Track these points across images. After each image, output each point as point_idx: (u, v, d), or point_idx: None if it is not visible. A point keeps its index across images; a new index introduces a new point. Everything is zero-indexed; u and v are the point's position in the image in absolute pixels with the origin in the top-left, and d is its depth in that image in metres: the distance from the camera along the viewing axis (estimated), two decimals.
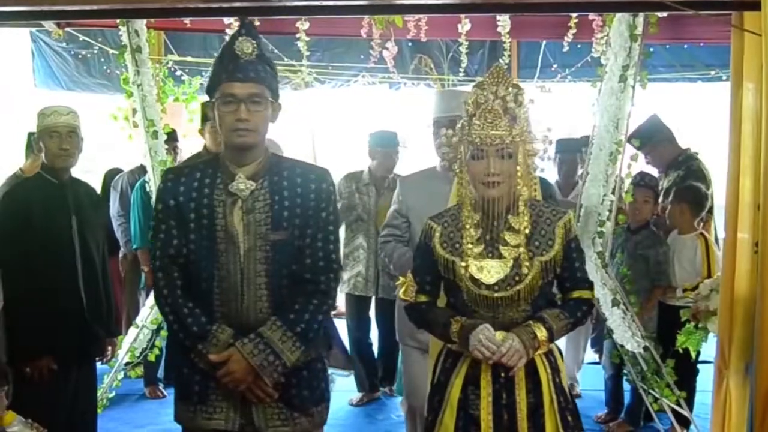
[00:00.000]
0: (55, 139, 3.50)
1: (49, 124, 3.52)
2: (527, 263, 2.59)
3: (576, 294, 2.69)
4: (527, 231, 2.61)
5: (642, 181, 4.85)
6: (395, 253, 3.68)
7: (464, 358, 2.66)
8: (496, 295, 2.59)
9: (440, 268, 2.69)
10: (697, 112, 9.56)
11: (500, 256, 2.61)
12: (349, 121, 10.28)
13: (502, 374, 2.59)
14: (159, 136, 5.05)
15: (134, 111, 5.02)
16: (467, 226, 2.64)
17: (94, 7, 3.14)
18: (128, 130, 5.10)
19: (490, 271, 2.60)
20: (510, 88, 2.60)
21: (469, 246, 2.63)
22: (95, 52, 6.95)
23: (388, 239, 3.73)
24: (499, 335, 2.56)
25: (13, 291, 3.37)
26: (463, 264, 2.62)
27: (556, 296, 2.76)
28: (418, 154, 4.51)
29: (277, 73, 2.67)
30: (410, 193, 3.70)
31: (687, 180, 5.01)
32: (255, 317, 2.57)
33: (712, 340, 3.47)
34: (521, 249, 2.59)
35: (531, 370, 2.62)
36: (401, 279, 2.78)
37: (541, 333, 2.57)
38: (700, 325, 3.60)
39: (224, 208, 2.57)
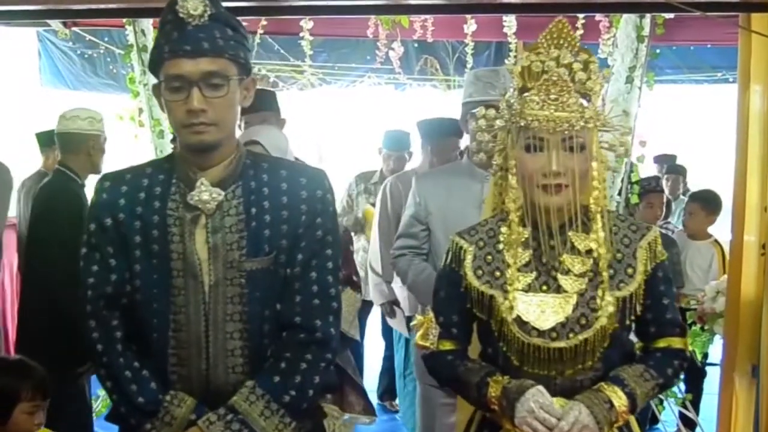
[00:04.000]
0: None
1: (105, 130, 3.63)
2: (599, 300, 1.85)
3: (663, 343, 1.96)
4: (599, 255, 1.86)
5: (648, 186, 4.85)
6: (411, 269, 3.06)
7: None
8: (553, 345, 1.84)
9: (473, 306, 1.94)
10: (703, 114, 9.54)
11: (558, 290, 1.87)
12: (355, 122, 10.28)
13: None
14: (165, 136, 5.06)
15: (140, 110, 5.03)
16: (512, 247, 1.90)
17: (101, 6, 3.14)
18: (134, 129, 5.12)
19: (544, 312, 1.85)
20: (579, 54, 1.86)
21: (516, 275, 1.88)
22: (101, 51, 6.95)
23: (403, 252, 3.10)
24: (557, 403, 1.83)
25: (63, 293, 3.28)
26: (507, 300, 1.87)
27: (634, 345, 2.04)
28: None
29: (246, 37, 1.94)
30: (431, 194, 3.03)
31: None
32: (225, 380, 1.89)
33: (718, 342, 3.46)
34: (591, 280, 1.86)
35: None
36: (418, 318, 2.13)
37: (620, 401, 1.84)
38: (706, 327, 3.59)
39: (182, 227, 1.87)
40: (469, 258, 1.94)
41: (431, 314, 2.04)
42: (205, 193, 1.86)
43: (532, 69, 1.86)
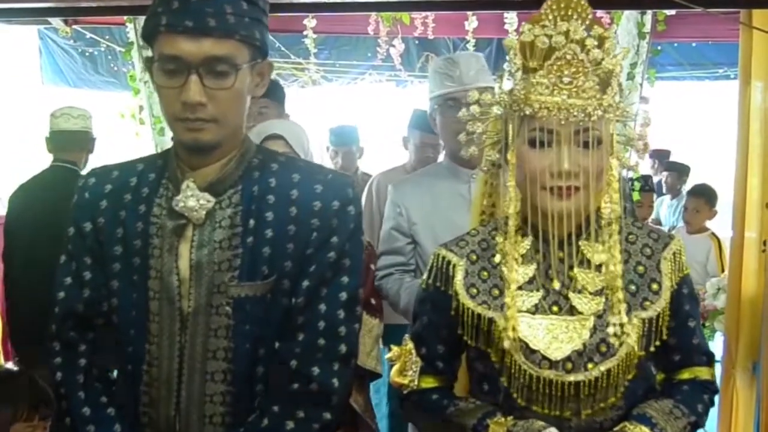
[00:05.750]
0: None
1: None
2: (622, 323, 1.51)
3: (688, 373, 1.64)
4: (618, 268, 1.52)
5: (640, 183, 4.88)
6: (403, 290, 2.62)
7: None
8: (569, 378, 1.49)
9: (466, 333, 1.58)
10: (704, 111, 9.53)
11: (572, 311, 1.53)
12: (356, 119, 10.29)
13: None
14: (166, 133, 5.07)
15: (141, 108, 5.05)
16: (512, 261, 1.55)
17: (102, 4, 3.14)
18: (135, 127, 5.14)
19: (556, 338, 1.51)
20: (593, 27, 1.51)
21: (519, 294, 1.54)
22: (102, 49, 6.96)
23: (390, 271, 2.71)
24: None
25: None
26: (509, 325, 1.50)
27: (655, 377, 1.70)
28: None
29: (265, 12, 1.53)
30: (412, 201, 2.69)
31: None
32: (200, 431, 1.53)
33: (719, 338, 3.46)
34: (609, 299, 1.53)
35: None
36: (394, 349, 1.68)
37: None
38: (707, 324, 3.59)
39: (163, 238, 1.51)
40: (459, 275, 1.58)
41: (410, 344, 1.67)
42: (192, 198, 1.49)
43: (536, 45, 1.47)
